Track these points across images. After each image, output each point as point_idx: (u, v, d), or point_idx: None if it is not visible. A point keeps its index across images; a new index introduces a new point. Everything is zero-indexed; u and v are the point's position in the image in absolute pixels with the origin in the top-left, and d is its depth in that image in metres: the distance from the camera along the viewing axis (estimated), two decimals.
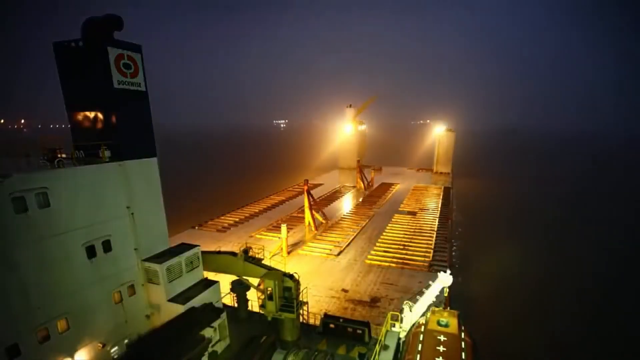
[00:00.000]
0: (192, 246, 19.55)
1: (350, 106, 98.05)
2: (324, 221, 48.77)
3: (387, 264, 35.59)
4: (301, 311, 21.77)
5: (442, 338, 14.64)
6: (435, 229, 46.13)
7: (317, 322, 22.49)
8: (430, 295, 17.33)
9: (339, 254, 38.40)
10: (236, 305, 23.52)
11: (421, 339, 14.75)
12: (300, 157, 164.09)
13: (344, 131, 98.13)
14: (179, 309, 17.39)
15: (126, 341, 16.40)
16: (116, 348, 16.20)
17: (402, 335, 17.39)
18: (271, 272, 20.45)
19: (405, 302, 18.29)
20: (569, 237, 60.67)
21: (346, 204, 62.96)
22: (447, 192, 70.25)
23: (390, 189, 74.65)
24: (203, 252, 20.32)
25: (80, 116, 16.84)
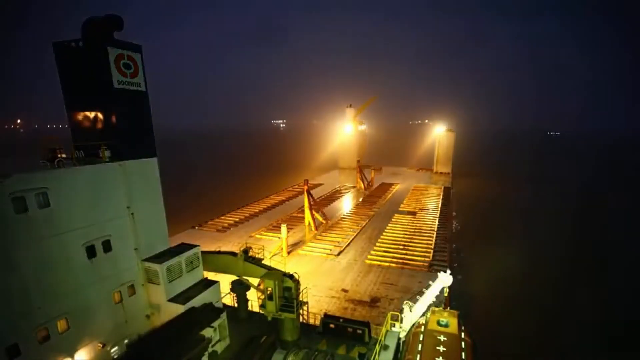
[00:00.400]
0: (192, 246, 19.55)
1: (350, 106, 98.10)
2: (324, 221, 48.75)
3: (387, 264, 35.58)
4: (301, 311, 21.74)
5: (442, 338, 14.66)
6: (435, 229, 46.14)
7: (317, 322, 22.47)
8: (430, 295, 17.36)
9: (339, 254, 38.40)
10: (236, 305, 23.50)
11: (421, 339, 14.77)
12: (300, 157, 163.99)
13: (344, 131, 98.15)
14: (179, 309, 17.39)
15: (126, 341, 16.39)
16: (116, 348, 16.21)
17: (402, 335, 17.41)
18: (271, 272, 20.46)
19: (405, 302, 18.32)
20: (568, 237, 60.67)
21: (346, 204, 62.96)
22: (447, 192, 70.28)
23: (390, 189, 74.65)
24: (203, 252, 20.33)
25: (80, 116, 16.85)
